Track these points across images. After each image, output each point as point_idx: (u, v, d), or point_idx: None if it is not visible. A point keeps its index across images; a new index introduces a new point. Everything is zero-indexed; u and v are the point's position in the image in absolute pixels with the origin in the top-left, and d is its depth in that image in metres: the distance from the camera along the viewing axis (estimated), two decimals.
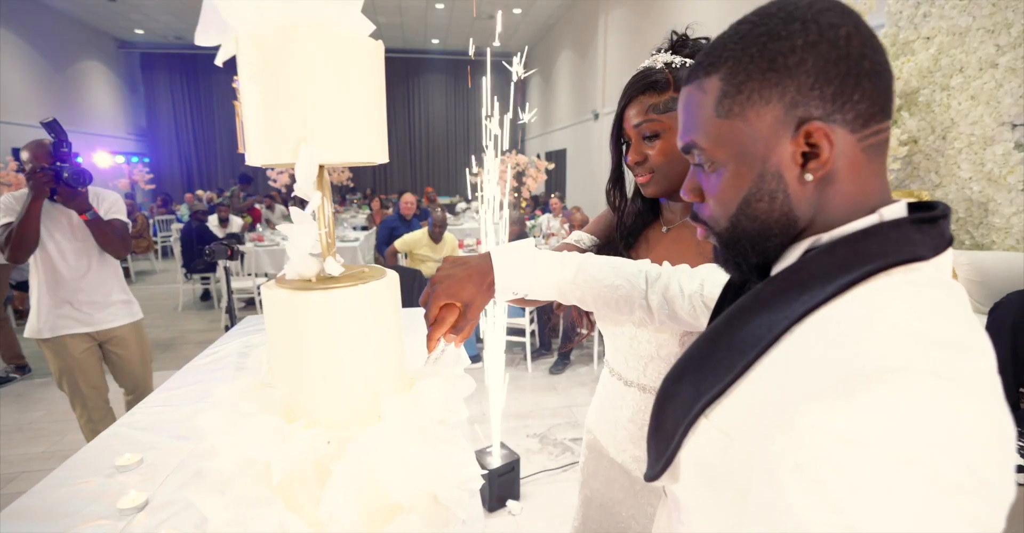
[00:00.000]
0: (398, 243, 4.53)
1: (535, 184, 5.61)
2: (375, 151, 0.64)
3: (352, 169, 10.44)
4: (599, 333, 4.09)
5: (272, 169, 6.09)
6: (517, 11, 10.61)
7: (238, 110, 0.62)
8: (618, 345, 1.00)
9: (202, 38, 0.61)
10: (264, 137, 0.58)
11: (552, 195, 7.08)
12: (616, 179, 1.01)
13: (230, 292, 2.40)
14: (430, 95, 15.26)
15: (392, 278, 0.69)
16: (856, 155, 0.43)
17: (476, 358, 3.90)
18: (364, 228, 6.81)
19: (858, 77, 0.41)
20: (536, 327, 4.34)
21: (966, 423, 0.32)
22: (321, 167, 0.62)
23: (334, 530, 0.60)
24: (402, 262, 4.63)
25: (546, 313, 4.33)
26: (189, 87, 13.94)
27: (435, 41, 13.33)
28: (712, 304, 0.74)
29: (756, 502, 0.40)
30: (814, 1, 0.43)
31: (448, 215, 9.04)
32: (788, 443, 0.36)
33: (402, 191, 6.95)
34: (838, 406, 0.34)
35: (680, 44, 0.91)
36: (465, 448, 0.73)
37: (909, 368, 0.34)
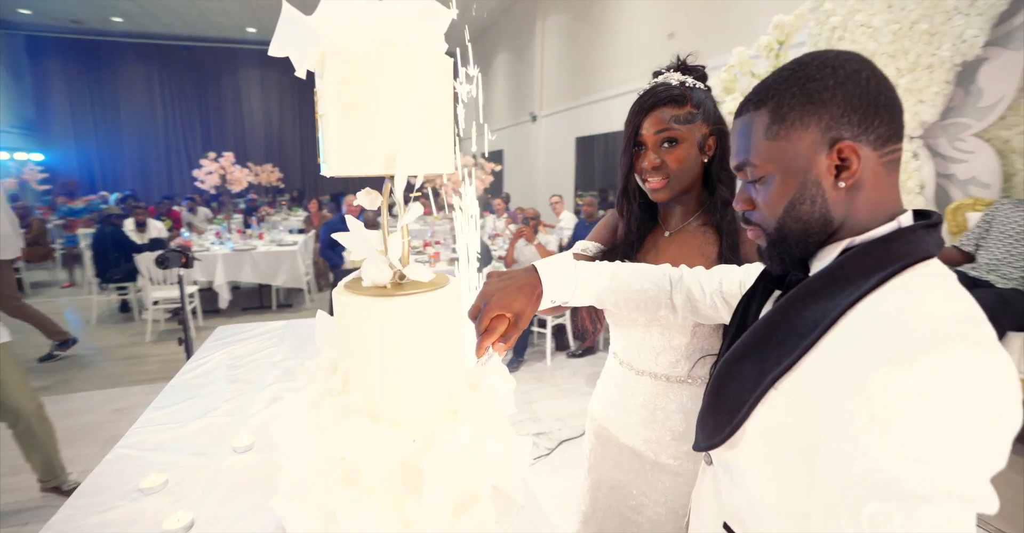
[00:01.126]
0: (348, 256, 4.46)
1: (481, 186, 5.67)
2: (448, 162, 0.67)
3: (283, 169, 9.95)
4: (551, 331, 4.22)
5: (199, 169, 5.69)
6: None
7: (320, 121, 0.63)
8: (630, 339, 1.08)
9: (277, 48, 0.62)
10: (353, 149, 0.60)
11: (491, 196, 7.16)
12: (625, 188, 1.10)
13: (184, 302, 2.23)
14: None
15: (456, 282, 0.73)
16: (878, 169, 0.55)
17: None
18: (302, 231, 6.54)
19: (876, 108, 0.53)
20: None
21: (994, 376, 0.44)
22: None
23: (423, 525, 0.63)
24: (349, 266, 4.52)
25: None
26: (90, 78, 12.48)
27: None
28: (730, 299, 0.84)
29: (828, 453, 0.49)
30: (840, 53, 0.55)
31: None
32: (862, 402, 0.46)
33: (337, 193, 6.77)
34: (902, 369, 0.44)
35: (684, 68, 1.03)
36: (522, 439, 0.78)
37: (954, 337, 0.44)
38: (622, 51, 6.36)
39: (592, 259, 1.15)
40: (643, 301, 0.88)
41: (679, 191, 1.02)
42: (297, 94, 14.25)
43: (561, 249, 5.08)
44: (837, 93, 0.53)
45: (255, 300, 5.86)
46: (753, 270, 0.82)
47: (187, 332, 2.23)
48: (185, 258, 2.17)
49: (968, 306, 0.48)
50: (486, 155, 11.23)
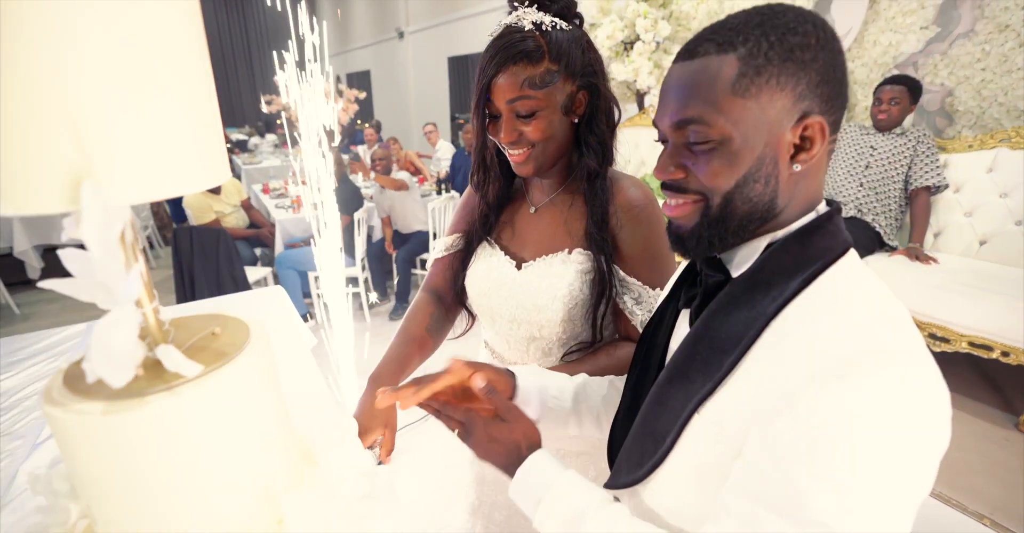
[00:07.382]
0: (190, 212, 3.65)
1: (345, 115, 4.99)
2: (214, 168, 0.41)
3: None
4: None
5: None
6: None
7: None
8: (498, 328, 0.96)
9: None
10: None
11: (366, 124, 6.44)
12: (482, 158, 0.91)
13: None
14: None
15: (260, 330, 0.50)
16: (823, 156, 0.47)
17: (305, 317, 3.57)
18: None
19: (842, 85, 0.46)
20: (368, 274, 4.09)
21: (926, 393, 0.39)
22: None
23: None
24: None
25: (379, 259, 4.10)
26: None
27: None
28: None
29: (743, 461, 0.43)
30: (811, 11, 0.46)
31: (241, 153, 7.67)
32: (789, 422, 0.40)
33: None
34: (833, 388, 0.39)
35: None
36: (395, 507, 0.61)
37: (885, 350, 0.40)
38: None
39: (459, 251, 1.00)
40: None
41: (547, 163, 0.85)
42: None
43: (439, 182, 4.75)
44: (819, 57, 0.44)
45: None
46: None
47: None
48: None
49: (895, 308, 0.44)
50: (340, 80, 10.16)
